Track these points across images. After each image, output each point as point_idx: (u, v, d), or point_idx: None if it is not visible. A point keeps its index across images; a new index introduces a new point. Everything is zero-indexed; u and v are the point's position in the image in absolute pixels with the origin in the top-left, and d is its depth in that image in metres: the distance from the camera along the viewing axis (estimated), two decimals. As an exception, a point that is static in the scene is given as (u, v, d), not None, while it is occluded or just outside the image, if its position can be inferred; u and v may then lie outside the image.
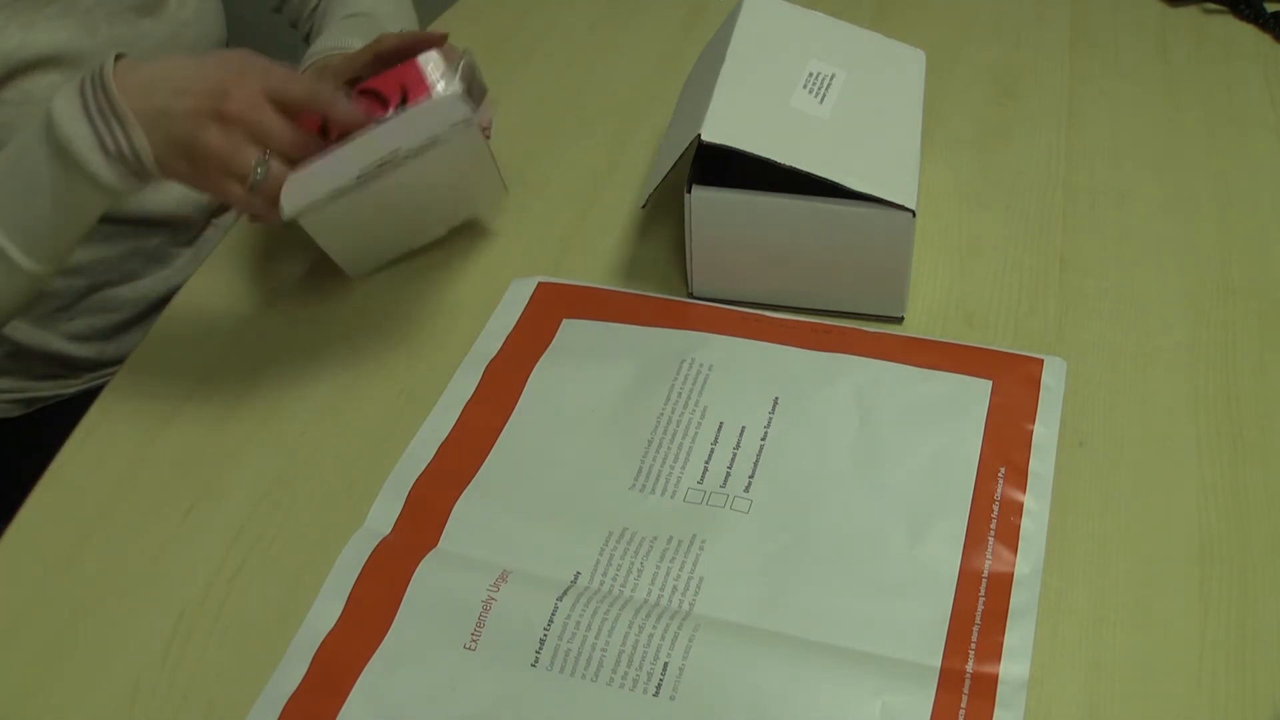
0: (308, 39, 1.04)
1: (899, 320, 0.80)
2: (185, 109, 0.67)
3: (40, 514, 0.70)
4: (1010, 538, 0.65)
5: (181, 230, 0.99)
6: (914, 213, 0.74)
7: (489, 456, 0.71)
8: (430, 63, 0.77)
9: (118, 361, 0.96)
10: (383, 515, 0.69)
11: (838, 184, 0.74)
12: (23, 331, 0.93)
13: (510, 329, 0.80)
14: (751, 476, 0.69)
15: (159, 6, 0.90)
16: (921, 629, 0.61)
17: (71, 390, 0.98)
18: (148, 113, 0.67)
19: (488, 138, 0.76)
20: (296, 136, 0.69)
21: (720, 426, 0.72)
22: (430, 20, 1.15)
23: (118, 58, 0.69)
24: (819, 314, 0.80)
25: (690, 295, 0.82)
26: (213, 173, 0.68)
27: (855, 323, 0.79)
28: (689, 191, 0.76)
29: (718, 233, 0.78)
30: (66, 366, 0.97)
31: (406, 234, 0.85)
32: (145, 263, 0.97)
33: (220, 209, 1.04)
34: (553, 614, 0.61)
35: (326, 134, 0.72)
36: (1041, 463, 0.69)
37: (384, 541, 0.67)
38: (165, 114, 0.67)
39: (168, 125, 0.67)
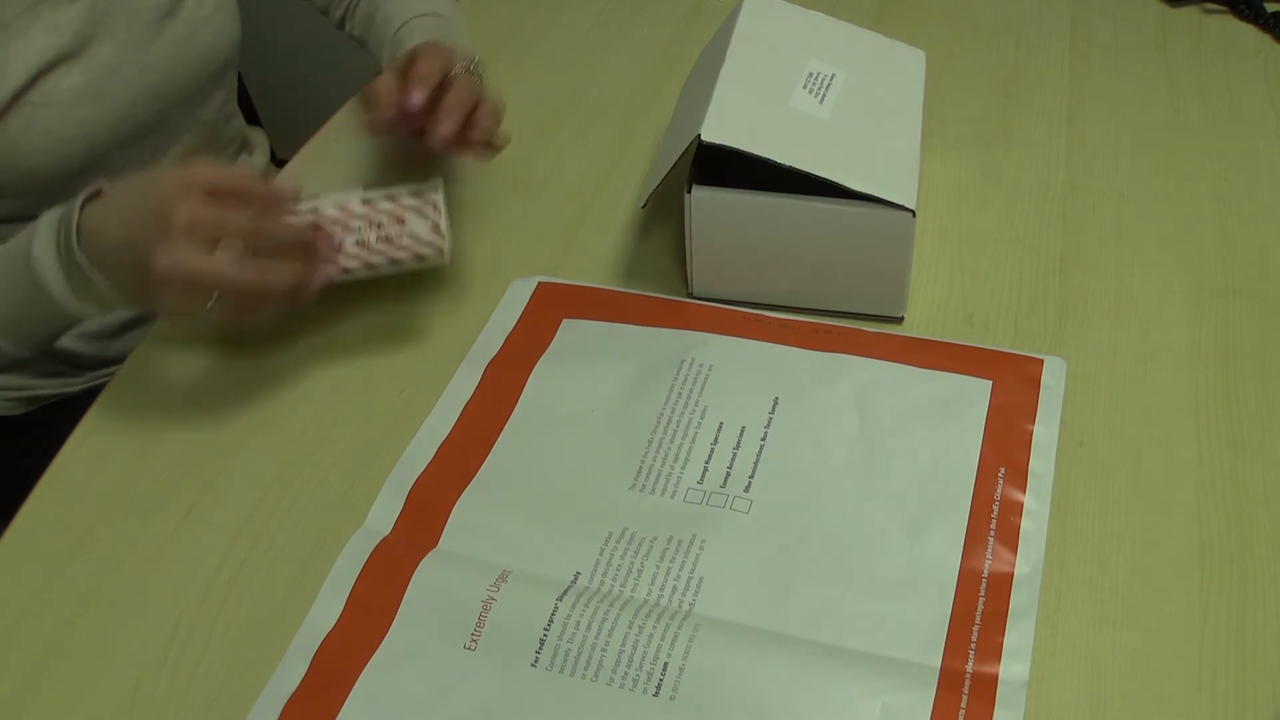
0: (342, 24, 1.03)
1: (899, 320, 0.80)
2: (133, 255, 0.66)
3: (40, 514, 0.70)
4: (1010, 538, 0.65)
5: None
6: (914, 213, 0.74)
7: (489, 456, 0.71)
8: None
9: (119, 360, 0.96)
10: (383, 515, 0.69)
11: (838, 184, 0.74)
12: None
13: (510, 329, 0.80)
14: (751, 476, 0.69)
15: (178, 6, 0.90)
16: (921, 629, 0.61)
17: (73, 389, 0.98)
18: (102, 259, 0.68)
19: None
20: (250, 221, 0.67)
21: (720, 426, 0.72)
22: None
23: (90, 197, 0.69)
24: (819, 314, 0.80)
25: (690, 295, 0.82)
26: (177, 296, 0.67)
27: (855, 323, 0.79)
28: (689, 191, 0.76)
29: (718, 233, 0.78)
30: (70, 364, 0.97)
31: None
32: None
33: None
34: (553, 614, 0.61)
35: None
36: (1041, 463, 0.69)
37: (384, 541, 0.67)
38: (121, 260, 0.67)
39: (124, 271, 0.68)
